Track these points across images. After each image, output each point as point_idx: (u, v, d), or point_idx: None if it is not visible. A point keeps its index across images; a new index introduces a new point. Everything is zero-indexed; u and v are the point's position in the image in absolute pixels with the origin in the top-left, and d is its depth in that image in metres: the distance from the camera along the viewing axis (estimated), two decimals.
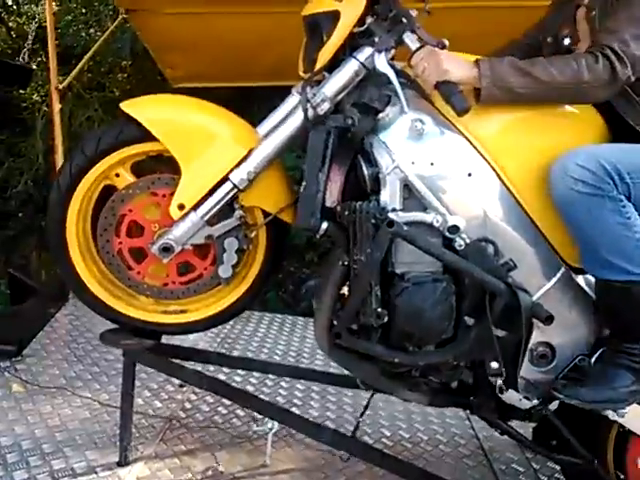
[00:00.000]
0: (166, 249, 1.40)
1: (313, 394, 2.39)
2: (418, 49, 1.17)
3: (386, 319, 1.24)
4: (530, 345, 1.30)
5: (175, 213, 1.37)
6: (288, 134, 1.34)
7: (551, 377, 1.34)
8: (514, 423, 1.48)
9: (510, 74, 1.17)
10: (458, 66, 1.18)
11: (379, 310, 1.23)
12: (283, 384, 2.44)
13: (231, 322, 2.70)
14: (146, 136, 1.38)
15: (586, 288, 1.31)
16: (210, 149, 1.35)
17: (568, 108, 1.28)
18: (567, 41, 1.34)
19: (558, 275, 1.29)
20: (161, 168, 1.47)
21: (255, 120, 1.42)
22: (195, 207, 1.36)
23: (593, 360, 1.32)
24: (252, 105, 3.31)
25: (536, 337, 1.30)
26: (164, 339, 1.69)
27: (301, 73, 1.39)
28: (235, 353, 2.81)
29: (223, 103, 1.44)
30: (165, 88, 3.31)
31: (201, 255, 1.49)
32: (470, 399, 1.43)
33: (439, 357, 1.29)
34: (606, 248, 1.19)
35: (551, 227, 1.27)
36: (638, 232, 1.19)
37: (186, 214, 1.37)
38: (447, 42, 1.14)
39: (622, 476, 1.47)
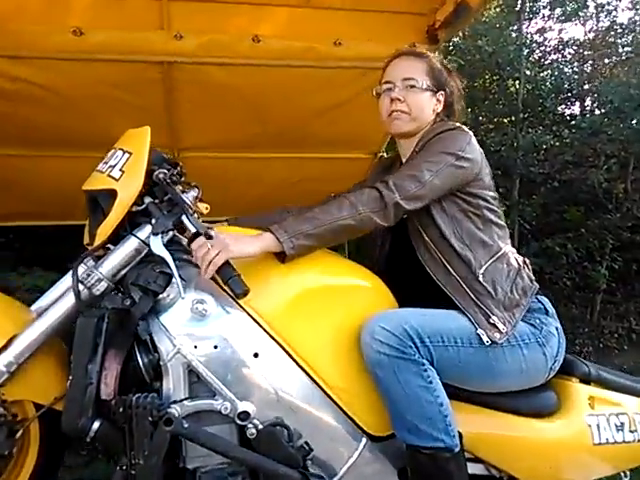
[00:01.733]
0: None
1: None
2: (197, 234, 1.15)
3: None
4: None
5: None
6: (60, 317, 1.19)
7: None
8: None
9: (298, 223, 1.20)
10: (250, 241, 1.16)
11: None
12: None
13: None
14: None
15: (388, 458, 1.28)
16: None
17: (354, 281, 1.34)
18: None
19: (360, 448, 1.25)
20: None
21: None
22: None
23: None
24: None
25: None
26: None
27: (86, 245, 1.29)
28: None
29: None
30: None
31: None
32: None
33: None
34: (411, 412, 1.20)
35: (349, 398, 1.25)
36: (440, 397, 1.22)
37: None
38: (214, 233, 1.13)
39: None
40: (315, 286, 1.26)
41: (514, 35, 5.99)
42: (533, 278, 1.42)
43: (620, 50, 6.50)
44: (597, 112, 6.20)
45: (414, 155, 1.39)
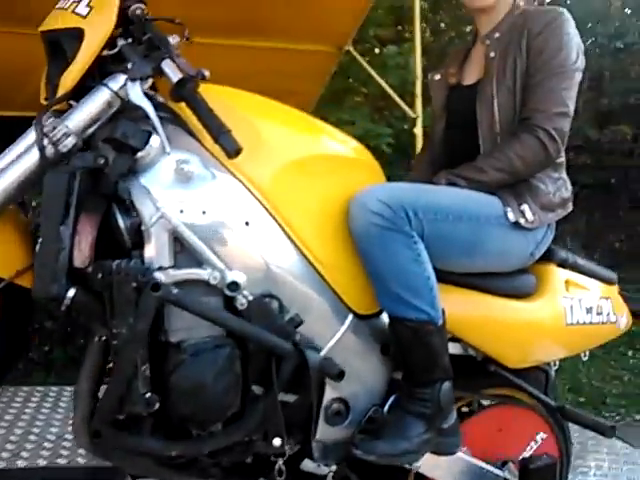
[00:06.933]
0: None
1: None
2: (181, 81, 1.01)
3: (157, 405, 1.01)
4: (324, 403, 1.21)
5: None
6: (20, 177, 1.04)
7: (349, 434, 1.26)
8: None
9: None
10: None
11: (148, 395, 1.00)
12: None
13: None
14: None
15: (372, 335, 1.27)
16: None
17: (348, 152, 1.27)
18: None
19: (347, 323, 1.23)
20: None
21: None
22: None
23: (386, 409, 1.28)
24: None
25: (329, 394, 1.21)
26: None
27: (43, 101, 1.12)
28: None
29: None
30: None
31: None
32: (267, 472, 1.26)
33: (228, 439, 1.10)
34: (397, 283, 1.19)
35: (336, 274, 1.20)
36: (427, 270, 1.22)
37: None
38: (207, 73, 1.00)
39: None
40: (310, 155, 1.17)
41: None
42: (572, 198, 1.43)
43: None
44: None
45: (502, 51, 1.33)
